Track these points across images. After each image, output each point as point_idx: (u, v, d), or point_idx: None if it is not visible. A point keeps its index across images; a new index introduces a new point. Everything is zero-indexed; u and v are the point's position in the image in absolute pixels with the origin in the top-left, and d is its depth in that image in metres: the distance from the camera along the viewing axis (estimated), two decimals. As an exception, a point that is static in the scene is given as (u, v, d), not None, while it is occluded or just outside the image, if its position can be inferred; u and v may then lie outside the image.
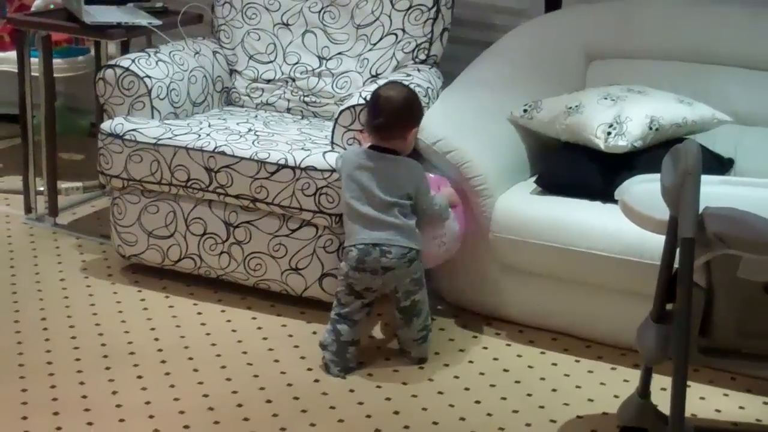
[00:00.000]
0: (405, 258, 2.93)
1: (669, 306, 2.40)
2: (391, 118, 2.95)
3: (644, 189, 2.45)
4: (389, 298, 3.02)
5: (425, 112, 3.14)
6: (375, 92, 3.04)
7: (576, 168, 3.24)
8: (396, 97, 2.97)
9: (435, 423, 2.79)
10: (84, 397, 2.83)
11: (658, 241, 2.48)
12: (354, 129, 3.23)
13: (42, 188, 3.99)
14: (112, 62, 3.52)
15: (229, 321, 3.29)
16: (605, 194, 3.02)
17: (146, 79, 3.45)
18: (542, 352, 3.17)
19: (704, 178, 2.25)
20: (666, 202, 2.26)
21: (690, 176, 2.15)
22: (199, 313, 3.33)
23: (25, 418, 2.73)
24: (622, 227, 2.87)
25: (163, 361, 3.03)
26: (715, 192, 2.25)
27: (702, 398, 2.95)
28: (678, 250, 2.18)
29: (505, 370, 3.07)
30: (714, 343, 2.36)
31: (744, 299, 2.24)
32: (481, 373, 3.04)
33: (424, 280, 3.03)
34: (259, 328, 3.26)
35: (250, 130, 3.46)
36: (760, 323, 2.28)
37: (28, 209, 4.01)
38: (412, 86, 3.35)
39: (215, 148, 3.28)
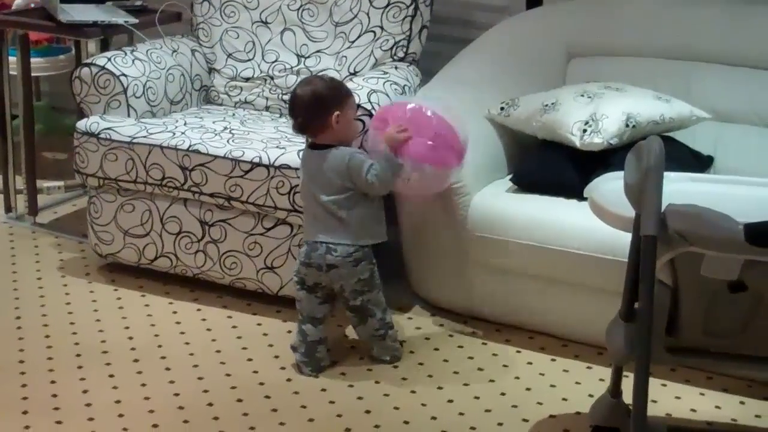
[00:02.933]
0: (350, 257, 2.91)
1: (637, 304, 2.38)
2: (305, 114, 2.92)
3: (612, 187, 2.43)
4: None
5: (343, 93, 2.97)
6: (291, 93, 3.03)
7: (552, 166, 3.23)
8: (302, 94, 2.93)
9: (406, 422, 2.77)
10: (54, 395, 2.82)
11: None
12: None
13: (22, 187, 3.98)
14: (88, 61, 3.51)
15: (204, 320, 3.28)
16: (581, 192, 2.99)
17: (122, 78, 3.44)
18: (518, 351, 3.15)
19: (671, 175, 2.24)
20: (629, 200, 2.24)
21: (652, 173, 2.13)
22: (174, 312, 3.32)
23: (-8, 417, 2.72)
24: (596, 225, 2.81)
25: (136, 360, 3.02)
26: (682, 189, 2.23)
27: (678, 398, 2.93)
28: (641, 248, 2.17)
29: (480, 369, 3.05)
30: (681, 342, 2.34)
31: (709, 298, 2.22)
32: (455, 372, 3.03)
33: (377, 280, 2.98)
34: (234, 327, 3.24)
35: (225, 128, 3.45)
36: (726, 322, 2.27)
37: (8, 208, 4.01)
38: (388, 84, 3.35)
39: (189, 146, 3.27)
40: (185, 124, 3.46)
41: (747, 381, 2.97)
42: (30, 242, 3.80)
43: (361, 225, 2.92)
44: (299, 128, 2.97)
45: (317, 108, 2.90)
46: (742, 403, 2.91)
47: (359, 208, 2.92)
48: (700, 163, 3.28)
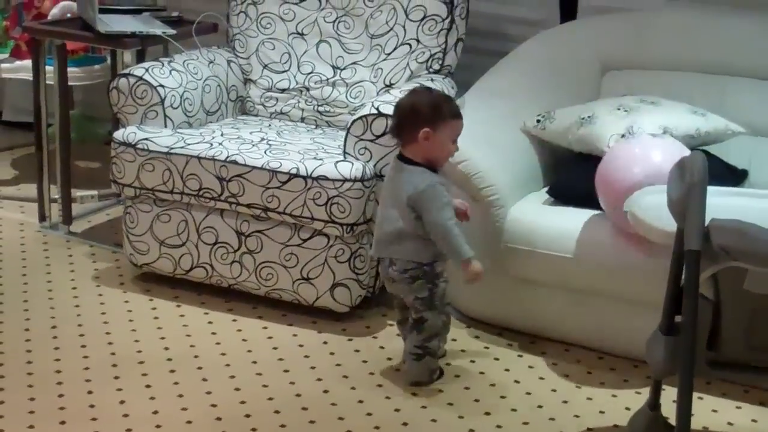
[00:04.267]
0: (407, 273, 2.91)
1: (678, 318, 2.38)
2: (398, 122, 2.94)
3: (653, 200, 2.43)
4: None
5: (444, 114, 2.89)
6: None
7: (588, 179, 3.21)
8: (402, 103, 2.95)
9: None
10: (92, 406, 2.83)
11: (670, 251, 2.46)
12: (365, 139, 3.23)
13: (56, 196, 4.01)
14: (126, 71, 3.53)
15: (239, 330, 3.29)
16: (617, 205, 3.01)
17: (159, 89, 3.46)
18: (554, 364, 3.15)
19: (713, 189, 2.24)
20: (672, 214, 2.24)
21: (695, 188, 2.13)
22: (210, 323, 3.33)
23: (31, 426, 2.73)
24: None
25: (172, 371, 3.03)
26: (723, 203, 2.22)
27: (714, 411, 2.92)
28: (684, 263, 2.16)
29: (516, 382, 3.05)
30: (722, 356, 2.34)
31: (751, 312, 2.21)
32: (492, 385, 3.03)
33: (437, 302, 2.95)
34: (270, 337, 3.25)
35: (262, 139, 3.47)
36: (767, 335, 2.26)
37: (42, 217, 4.03)
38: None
39: (227, 157, 3.28)
40: (222, 134, 3.48)
41: (784, 395, 2.97)
42: (64, 251, 3.83)
43: (422, 242, 2.89)
44: (392, 133, 2.98)
45: (410, 119, 2.89)
46: (779, 417, 2.91)
47: (422, 225, 2.88)
48: (735, 176, 3.28)
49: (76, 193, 4.13)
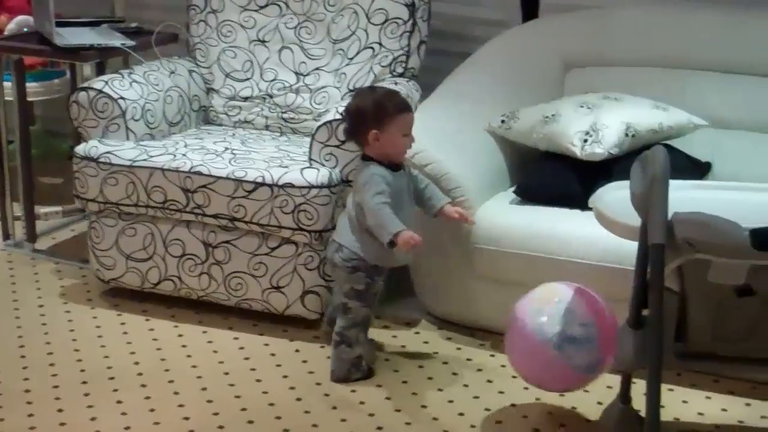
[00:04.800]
0: (350, 263, 2.96)
1: (645, 311, 2.39)
2: (348, 129, 2.99)
3: (617, 196, 2.44)
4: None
5: (389, 111, 2.89)
6: None
7: (554, 177, 3.24)
8: (348, 107, 3.00)
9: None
10: (62, 424, 2.80)
11: (636, 247, 2.47)
12: (331, 144, 3.22)
13: (20, 214, 3.97)
14: (85, 84, 3.51)
15: (210, 342, 3.27)
16: (584, 202, 3.00)
17: (120, 101, 3.44)
18: (525, 362, 3.15)
19: (675, 183, 2.25)
20: (636, 209, 2.25)
21: (658, 182, 2.14)
22: (180, 335, 3.31)
23: (1, 447, 2.71)
24: (600, 234, 2.84)
25: (143, 385, 3.01)
26: (686, 197, 2.24)
27: (685, 402, 2.93)
28: (649, 256, 2.17)
29: (489, 381, 3.05)
30: (690, 347, 2.35)
31: (717, 303, 2.23)
32: (465, 385, 3.03)
33: (369, 300, 2.99)
34: (241, 348, 3.24)
35: (226, 148, 3.45)
36: (734, 326, 2.27)
37: (6, 235, 4.00)
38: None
39: (191, 168, 3.27)
40: (185, 145, 3.46)
41: (752, 383, 2.98)
42: (30, 269, 3.79)
43: (370, 240, 2.92)
44: (347, 138, 3.03)
45: (358, 123, 2.93)
46: (748, 404, 2.92)
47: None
48: (698, 170, 3.30)
49: (40, 209, 4.10)
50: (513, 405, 2.93)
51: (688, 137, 3.33)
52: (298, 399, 2.94)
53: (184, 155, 3.34)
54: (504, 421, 2.85)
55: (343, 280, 3.00)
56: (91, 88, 3.45)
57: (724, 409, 2.90)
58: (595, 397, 2.93)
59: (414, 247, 2.84)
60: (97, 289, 3.58)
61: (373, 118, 2.89)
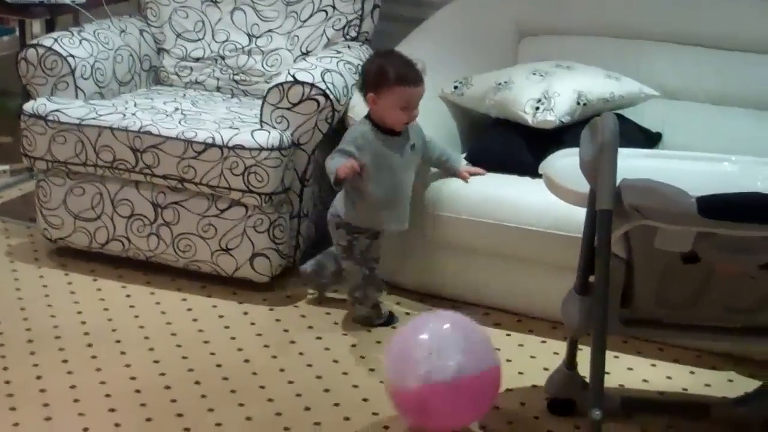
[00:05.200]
0: (333, 219, 3.08)
1: (592, 278, 2.41)
2: (359, 85, 3.03)
3: (567, 163, 2.45)
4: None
5: (388, 80, 2.91)
6: None
7: (506, 144, 3.25)
8: (363, 63, 3.10)
9: (365, 400, 2.78)
10: (7, 382, 2.78)
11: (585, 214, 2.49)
12: (282, 107, 3.20)
13: (-33, 172, 3.92)
14: (34, 42, 3.45)
15: (158, 303, 3.25)
16: (535, 170, 3.00)
17: (69, 59, 3.39)
18: (474, 328, 3.17)
19: (625, 151, 2.26)
20: (584, 175, 2.26)
21: (606, 149, 2.15)
22: (128, 296, 3.29)
23: (-55, 405, 2.68)
24: (550, 202, 2.84)
25: (90, 345, 2.99)
26: (634, 165, 2.26)
27: (630, 369, 2.97)
28: (596, 222, 2.19)
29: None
30: (635, 313, 2.38)
31: (662, 269, 2.25)
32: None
33: (357, 254, 3.07)
34: (189, 309, 3.22)
35: (177, 109, 3.42)
36: (679, 293, 2.30)
37: (-48, 194, 3.95)
38: (342, 63, 3.33)
39: (141, 127, 3.23)
40: (135, 105, 3.43)
41: (696, 351, 3.02)
42: (-23, 228, 3.75)
43: (350, 201, 3.01)
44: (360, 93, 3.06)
45: (362, 82, 2.99)
46: (692, 373, 2.97)
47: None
48: (648, 139, 3.33)
49: (-13, 167, 4.05)
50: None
51: (640, 107, 3.36)
52: (246, 361, 2.94)
53: (133, 115, 3.31)
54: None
55: (332, 236, 3.11)
56: (40, 45, 3.40)
57: (669, 377, 2.94)
58: (541, 363, 2.96)
59: (352, 172, 2.88)
60: (45, 249, 3.54)
61: (373, 82, 2.94)
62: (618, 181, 2.17)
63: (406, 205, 3.05)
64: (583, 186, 2.31)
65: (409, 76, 2.93)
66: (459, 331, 2.53)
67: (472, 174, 3.16)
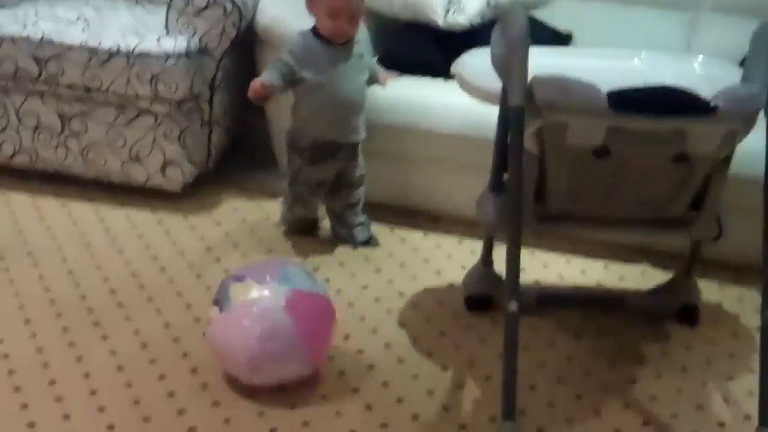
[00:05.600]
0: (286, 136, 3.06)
1: (506, 176, 2.43)
2: None
3: (479, 62, 2.45)
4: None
5: None
6: None
7: (417, 47, 3.24)
8: None
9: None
10: None
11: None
12: (188, 13, 3.13)
13: None
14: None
15: (69, 215, 3.20)
16: (446, 72, 3.01)
17: (-36, -35, 3.26)
18: (391, 229, 3.20)
19: (535, 49, 2.27)
20: (496, 72, 2.26)
21: (517, 44, 2.15)
22: (38, 208, 3.23)
23: None
24: (462, 103, 2.87)
25: (1, 257, 2.93)
26: (545, 63, 2.25)
27: (545, 266, 3.03)
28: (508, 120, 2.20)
29: (355, 248, 3.08)
30: (549, 208, 2.41)
31: (575, 165, 2.28)
32: (330, 252, 3.05)
33: (291, 174, 3.03)
34: (102, 220, 3.18)
35: (79, 17, 3.33)
36: (591, 186, 2.34)
37: None
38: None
39: (42, 37, 3.14)
40: (36, 14, 3.32)
41: (609, 246, 3.10)
42: None
43: (293, 110, 2.98)
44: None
45: None
46: (605, 267, 3.04)
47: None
48: (559, 40, 3.34)
49: None
50: (378, 271, 2.98)
51: (549, 9, 3.37)
52: (162, 269, 2.92)
53: (35, 24, 3.20)
54: (370, 285, 2.89)
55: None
56: (-67, -49, 3.26)
57: (583, 271, 3.01)
58: (458, 263, 3.00)
59: (257, 95, 2.81)
60: (-52, 164, 3.45)
61: None
62: (529, 78, 2.18)
63: (353, 116, 2.96)
64: (495, 83, 2.31)
65: None
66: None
67: (387, 79, 3.12)
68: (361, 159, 3.06)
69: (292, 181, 3.03)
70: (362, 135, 3.01)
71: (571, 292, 2.91)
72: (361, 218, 3.11)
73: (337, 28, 2.84)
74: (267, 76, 2.84)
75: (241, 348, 2.30)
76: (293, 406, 2.36)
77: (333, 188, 3.05)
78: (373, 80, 3.08)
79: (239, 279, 2.37)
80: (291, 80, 2.86)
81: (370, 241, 3.12)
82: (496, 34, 2.29)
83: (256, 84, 2.82)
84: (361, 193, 3.09)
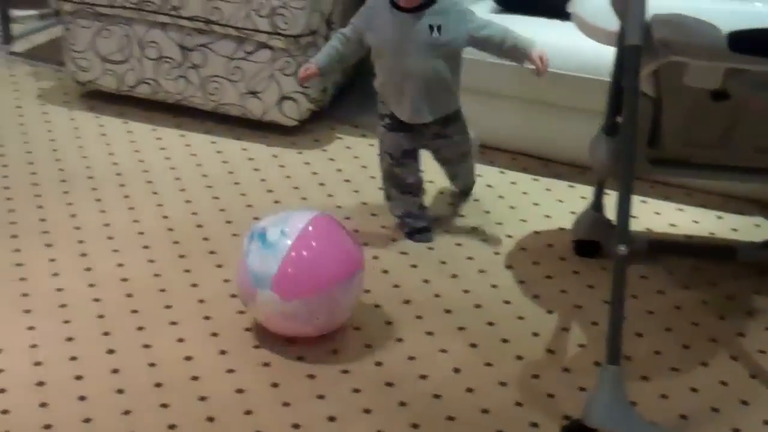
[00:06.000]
0: None
1: (620, 118, 2.40)
2: None
3: (597, 1, 2.41)
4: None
5: None
6: None
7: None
8: None
9: (393, 239, 2.81)
10: (42, 220, 2.84)
11: (614, 56, 2.47)
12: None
13: (-6, 17, 3.92)
14: None
15: (188, 145, 3.29)
16: (563, 12, 2.98)
17: None
18: (501, 172, 3.19)
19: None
20: (614, 11, 2.23)
21: (637, -18, 2.11)
22: (158, 138, 3.32)
23: (-18, 240, 2.75)
24: (578, 45, 2.85)
25: (122, 185, 3.03)
26: (665, 5, 2.21)
27: (657, 213, 2.99)
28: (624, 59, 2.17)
29: (476, 200, 3.08)
30: (663, 153, 2.37)
31: (691, 107, 2.24)
32: (441, 192, 3.06)
33: (381, 147, 2.81)
34: (219, 152, 3.26)
35: (202, -50, 3.38)
36: (707, 131, 2.29)
37: (-19, 38, 3.96)
38: None
39: (167, -32, 3.21)
40: (161, -54, 3.39)
41: (723, 197, 3.03)
42: (5, 71, 3.76)
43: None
44: None
45: None
46: (719, 217, 2.98)
47: None
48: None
49: (16, 13, 4.03)
50: (487, 212, 2.98)
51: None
52: (276, 201, 2.98)
53: (160, -44, 3.28)
54: (478, 226, 2.90)
55: None
56: None
57: (696, 221, 2.96)
58: (568, 207, 2.98)
59: (305, 79, 2.66)
60: (75, 92, 3.57)
61: None
62: (648, 17, 2.14)
63: (427, 94, 2.63)
64: (613, 24, 2.28)
65: None
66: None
67: (543, 64, 2.62)
68: (458, 135, 2.77)
69: (380, 152, 2.79)
70: (435, 116, 2.68)
71: (683, 241, 2.87)
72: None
73: None
74: (314, 59, 2.67)
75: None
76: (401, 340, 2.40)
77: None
78: (523, 59, 2.65)
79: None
80: (341, 60, 2.67)
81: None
82: (616, -27, 2.25)
83: (304, 72, 2.65)
84: (466, 164, 2.88)
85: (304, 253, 2.25)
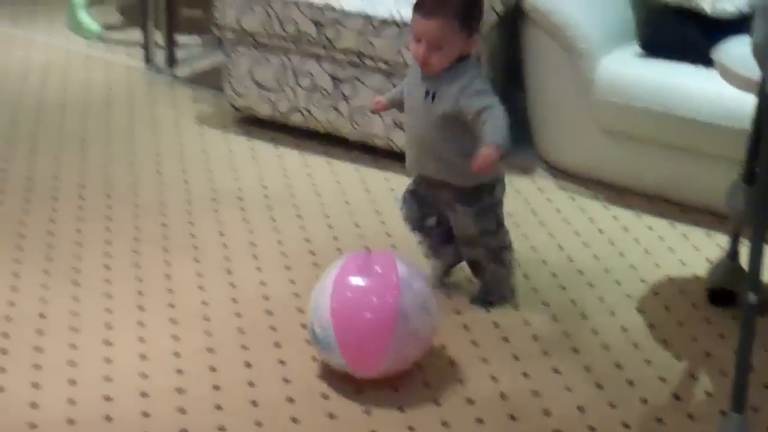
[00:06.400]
0: None
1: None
2: None
3: (740, 49, 2.42)
4: None
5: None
6: None
7: (681, 32, 3.20)
8: None
9: (525, 276, 2.86)
10: (192, 235, 3.00)
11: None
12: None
13: (161, 41, 4.13)
14: None
15: (333, 173, 3.41)
16: (709, 59, 2.99)
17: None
18: (638, 215, 3.20)
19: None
20: (756, 60, 2.23)
21: (781, 32, 2.12)
22: (306, 165, 3.45)
23: (135, 251, 2.92)
24: (722, 92, 2.87)
25: (269, 207, 3.17)
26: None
27: (795, 266, 2.95)
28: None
29: (600, 231, 3.11)
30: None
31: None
32: (576, 233, 3.10)
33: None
34: (363, 181, 3.37)
35: (359, -14, 3.51)
36: None
37: (147, 60, 4.18)
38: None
39: (325, 3, 3.34)
40: (318, -19, 3.54)
41: None
42: (168, 93, 3.98)
43: None
44: None
45: None
46: None
47: None
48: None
49: (180, 38, 4.26)
50: (622, 255, 2.99)
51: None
52: (413, 231, 3.06)
53: (317, -10, 3.42)
54: (612, 270, 2.91)
55: None
56: None
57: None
58: (704, 255, 2.97)
59: (376, 111, 2.73)
60: (231, 117, 3.74)
61: None
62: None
63: (422, 154, 2.60)
64: (756, 72, 2.28)
65: (422, 2, 2.46)
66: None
67: (480, 160, 2.39)
68: (469, 211, 2.60)
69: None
70: (431, 174, 2.63)
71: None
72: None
73: (414, 50, 2.49)
74: (386, 94, 2.74)
75: None
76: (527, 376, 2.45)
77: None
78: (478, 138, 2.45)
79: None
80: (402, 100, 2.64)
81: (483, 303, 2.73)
82: (758, 20, 2.25)
83: (378, 102, 2.71)
84: (476, 254, 2.69)
85: (352, 338, 2.29)
